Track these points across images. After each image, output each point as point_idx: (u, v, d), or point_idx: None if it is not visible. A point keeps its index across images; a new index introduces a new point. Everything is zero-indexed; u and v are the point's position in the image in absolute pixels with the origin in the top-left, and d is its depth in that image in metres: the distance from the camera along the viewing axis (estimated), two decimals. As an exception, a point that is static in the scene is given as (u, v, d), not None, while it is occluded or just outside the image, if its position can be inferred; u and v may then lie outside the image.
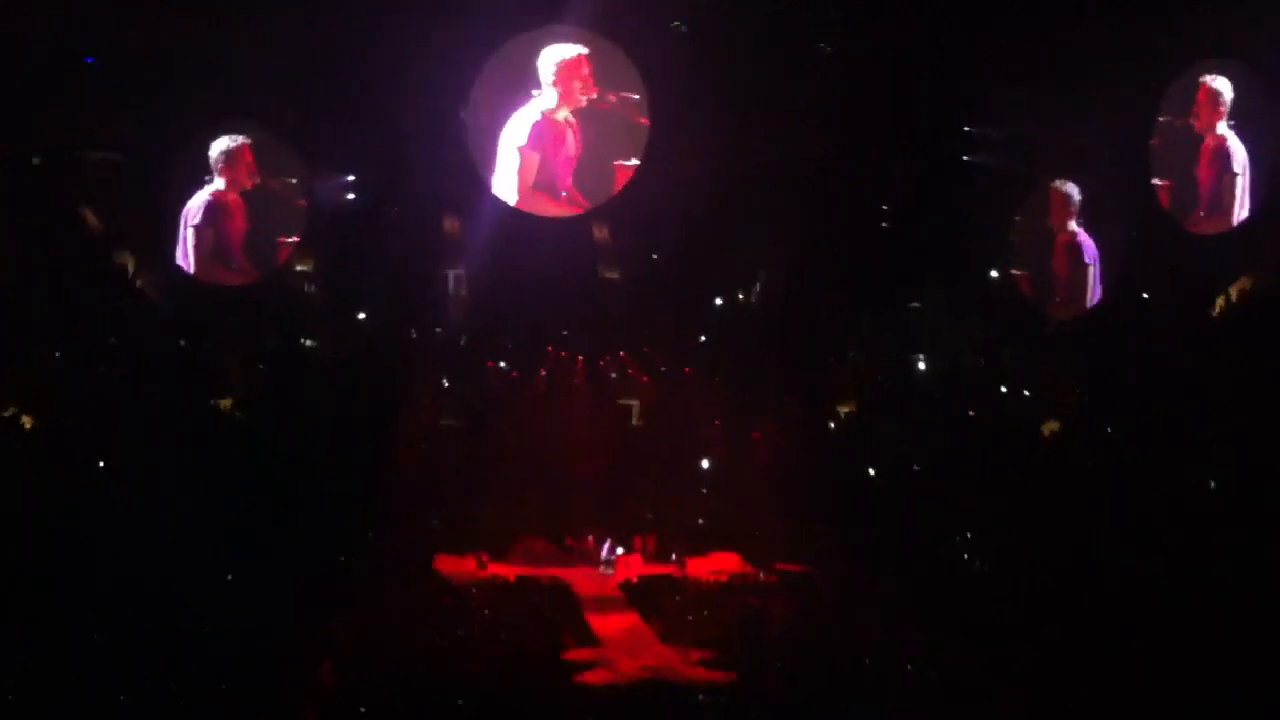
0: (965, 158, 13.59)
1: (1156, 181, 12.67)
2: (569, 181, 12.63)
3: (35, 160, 12.64)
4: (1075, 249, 13.16)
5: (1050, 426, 13.02)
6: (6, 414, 11.94)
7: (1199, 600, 10.31)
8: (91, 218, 12.86)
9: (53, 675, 9.31)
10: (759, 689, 10.35)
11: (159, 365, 12.75)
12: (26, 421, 12.03)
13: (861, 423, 13.82)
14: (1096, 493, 11.85)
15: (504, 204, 12.64)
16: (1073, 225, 13.18)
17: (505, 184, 12.48)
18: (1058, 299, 13.26)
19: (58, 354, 12.41)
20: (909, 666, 10.41)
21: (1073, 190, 13.15)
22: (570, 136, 12.61)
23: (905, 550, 12.24)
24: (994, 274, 13.64)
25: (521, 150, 12.41)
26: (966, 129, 13.56)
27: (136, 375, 12.54)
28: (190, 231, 12.65)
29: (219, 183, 12.69)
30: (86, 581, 10.39)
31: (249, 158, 12.68)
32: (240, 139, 12.63)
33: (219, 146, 12.66)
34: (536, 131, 12.51)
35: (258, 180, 12.72)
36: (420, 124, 12.85)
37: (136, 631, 9.97)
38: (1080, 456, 12.58)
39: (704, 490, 14.28)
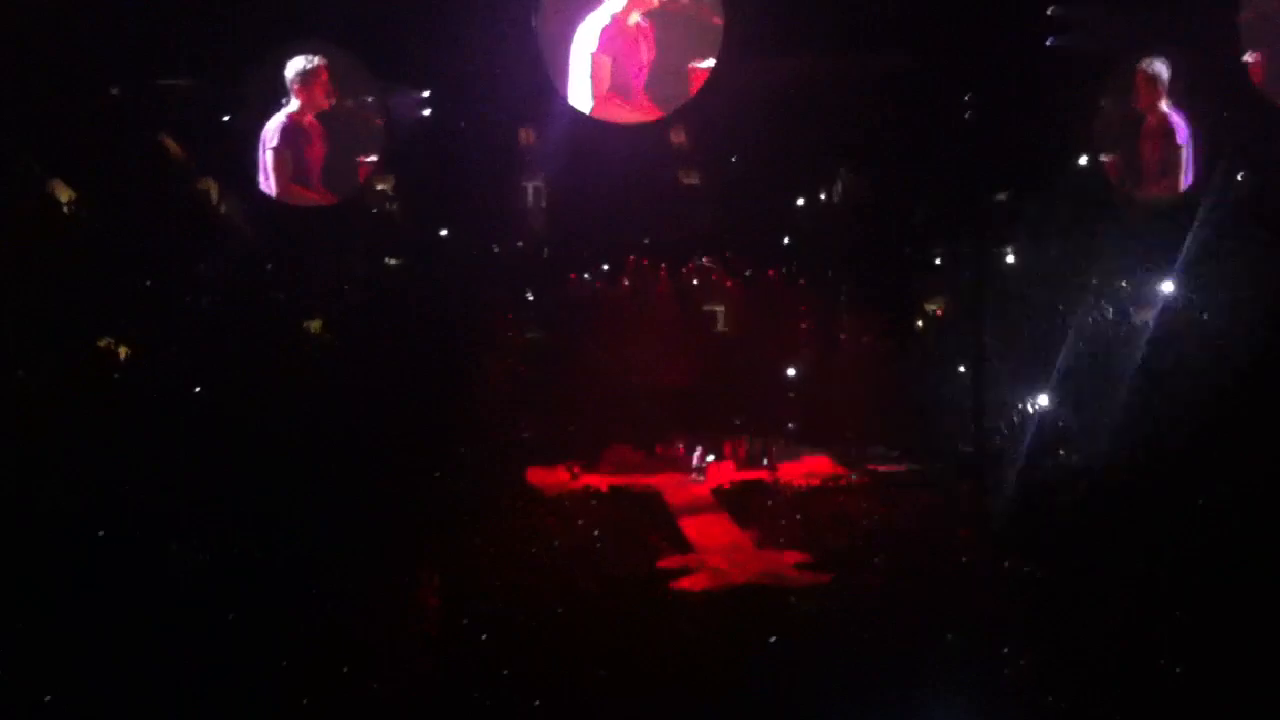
0: (1049, 41, 13.23)
1: (1246, 59, 12.32)
2: (643, 86, 12.47)
3: (114, 90, 12.68)
4: (1166, 130, 12.82)
5: (1144, 314, 12.80)
6: (102, 343, 12.14)
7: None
8: (171, 145, 12.89)
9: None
10: (854, 589, 10.44)
11: (245, 287, 12.84)
12: (121, 351, 12.22)
13: (949, 320, 13.65)
14: (1197, 389, 11.68)
15: (579, 113, 12.52)
16: (1162, 105, 12.83)
17: (579, 92, 12.35)
18: (1150, 182, 12.95)
19: (147, 282, 12.52)
20: (1004, 564, 10.43)
21: (1161, 69, 12.77)
22: (642, 40, 12.43)
23: (996, 447, 12.18)
24: (1083, 160, 13.28)
25: (594, 56, 12.24)
26: (1049, 11, 13.20)
27: (224, 298, 12.67)
28: (269, 154, 12.67)
29: (295, 104, 12.65)
30: (196, 485, 10.65)
31: (325, 78, 12.64)
32: (316, 59, 12.58)
33: (294, 67, 12.60)
34: (608, 36, 12.33)
35: (334, 100, 12.71)
36: (492, 35, 12.71)
37: (258, 528, 10.28)
38: (1180, 349, 12.37)
39: (792, 394, 14.20)
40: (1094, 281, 13.08)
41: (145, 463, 10.99)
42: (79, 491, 10.75)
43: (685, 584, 11.01)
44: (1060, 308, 13.12)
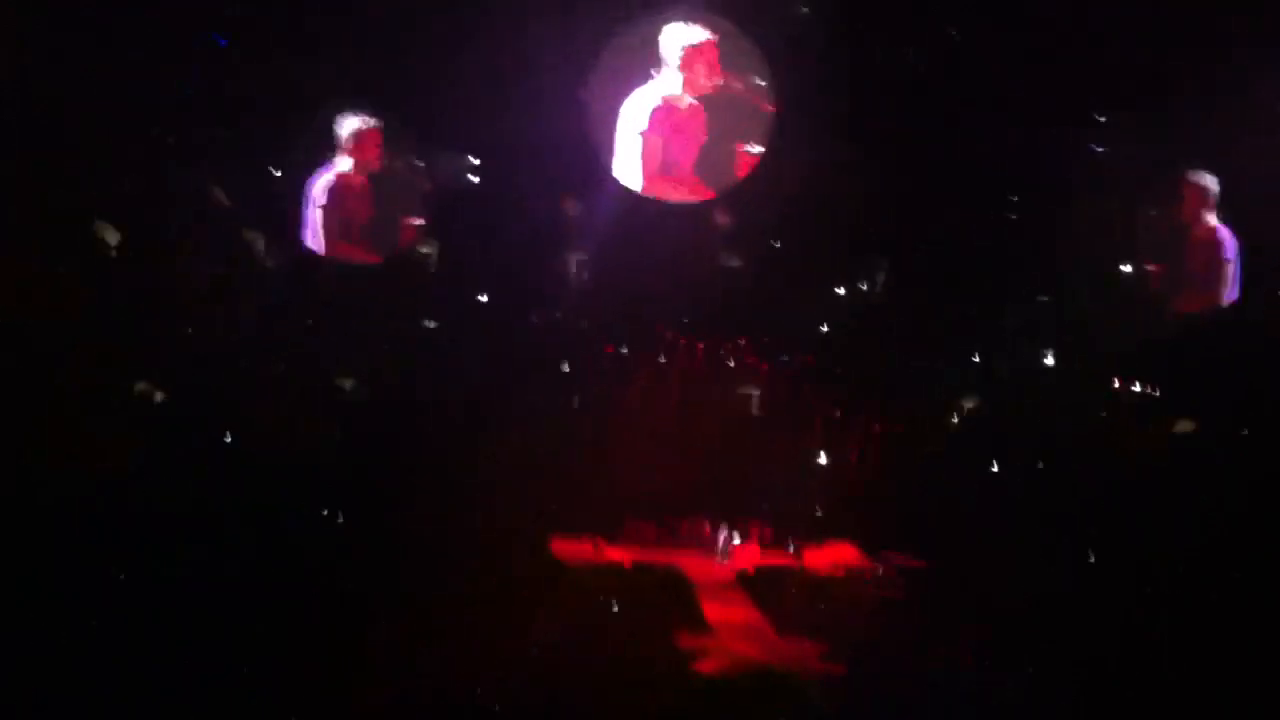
0: (1098, 148, 13.28)
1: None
2: (692, 167, 12.54)
3: (169, 139, 12.80)
4: (1213, 244, 12.82)
5: (1184, 426, 12.70)
6: (138, 389, 12.13)
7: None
8: (219, 196, 12.95)
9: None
10: (873, 683, 10.28)
11: (284, 343, 12.85)
12: (157, 395, 12.22)
13: (986, 418, 13.56)
14: (1233, 491, 11.58)
15: (626, 189, 12.59)
16: (1210, 219, 12.82)
17: (626, 168, 12.42)
18: (1192, 295, 12.92)
19: (189, 329, 12.55)
20: (1027, 665, 10.28)
21: (1210, 182, 12.79)
22: (693, 122, 12.52)
23: (1027, 548, 12.02)
24: (1128, 268, 13.25)
25: (644, 135, 12.33)
26: (1099, 118, 13.26)
27: (263, 353, 12.68)
28: (317, 212, 12.75)
29: (345, 163, 12.75)
30: (214, 540, 10.56)
31: (378, 138, 12.74)
32: (371, 120, 12.69)
33: (348, 127, 12.71)
34: (659, 116, 12.44)
35: (385, 162, 12.79)
36: (542, 106, 12.82)
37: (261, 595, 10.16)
38: (1215, 456, 12.27)
39: (823, 481, 14.07)
40: (1133, 388, 13.07)
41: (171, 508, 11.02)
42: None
43: (705, 666, 10.86)
44: (1101, 414, 13.09)
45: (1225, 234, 12.77)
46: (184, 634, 9.75)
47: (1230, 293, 12.73)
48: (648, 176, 12.35)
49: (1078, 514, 12.19)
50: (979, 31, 12.99)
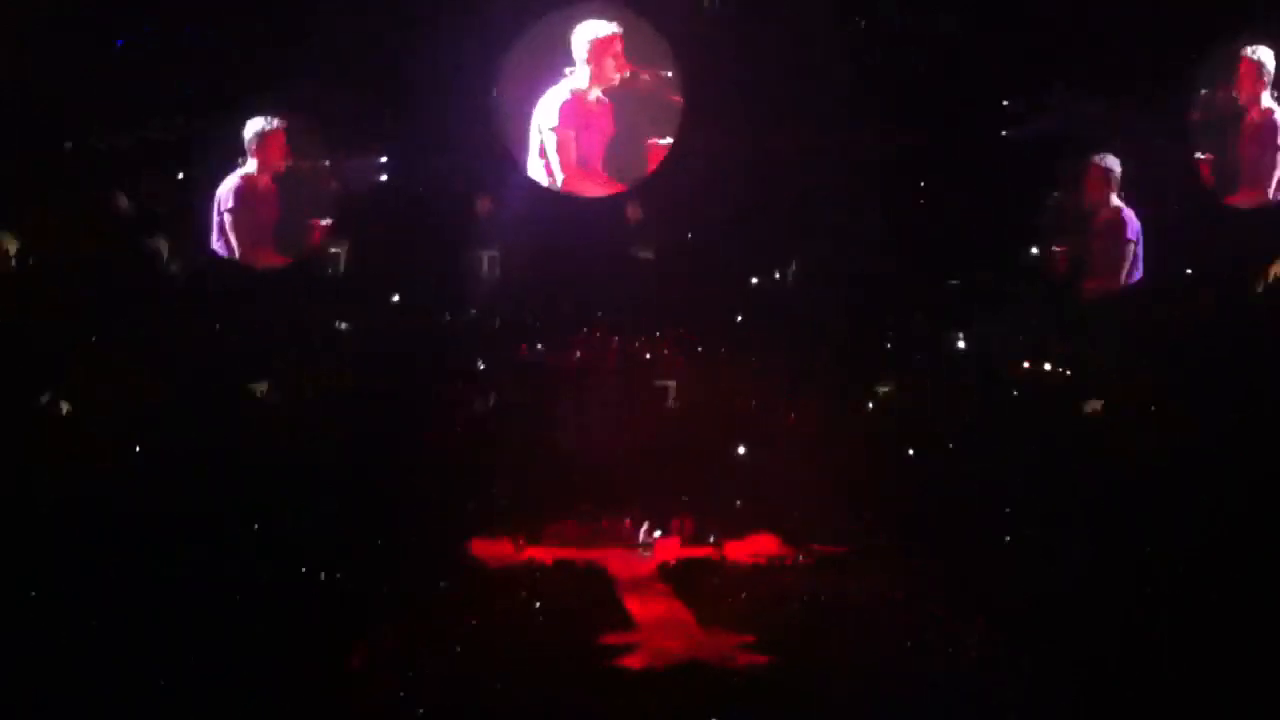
0: (1003, 132, 13.40)
1: (1198, 156, 12.53)
2: (602, 161, 12.53)
3: (66, 145, 12.59)
4: (1116, 225, 12.98)
5: (1092, 405, 12.89)
6: (43, 400, 11.95)
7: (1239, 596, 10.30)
8: (123, 202, 12.77)
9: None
10: (798, 673, 10.36)
11: (192, 348, 12.68)
12: (63, 407, 12.04)
13: (900, 403, 13.68)
14: (1140, 472, 11.76)
15: (537, 185, 12.56)
16: (1113, 200, 12.99)
17: (540, 165, 12.42)
18: (1096, 276, 13.07)
19: (92, 338, 12.36)
20: (948, 650, 10.41)
21: (1113, 164, 12.95)
22: (602, 116, 12.51)
23: (944, 532, 12.16)
24: (1033, 250, 13.39)
25: (556, 131, 12.33)
26: (1004, 103, 13.39)
27: (170, 359, 12.51)
28: (225, 215, 12.60)
29: (251, 165, 12.60)
30: (104, 575, 10.39)
31: (282, 139, 12.60)
32: (275, 121, 12.55)
33: (253, 128, 12.55)
34: (568, 111, 12.42)
35: (290, 163, 12.66)
36: (452, 105, 12.73)
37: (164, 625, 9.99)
38: (1124, 435, 12.45)
39: (741, 472, 14.14)
40: (1044, 368, 13.25)
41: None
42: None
43: (627, 661, 10.90)
44: (1013, 393, 13.25)
45: (1129, 215, 12.90)
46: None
47: (1134, 273, 12.89)
48: (567, 171, 12.33)
49: (989, 495, 12.38)
50: (889, 22, 13.07)
